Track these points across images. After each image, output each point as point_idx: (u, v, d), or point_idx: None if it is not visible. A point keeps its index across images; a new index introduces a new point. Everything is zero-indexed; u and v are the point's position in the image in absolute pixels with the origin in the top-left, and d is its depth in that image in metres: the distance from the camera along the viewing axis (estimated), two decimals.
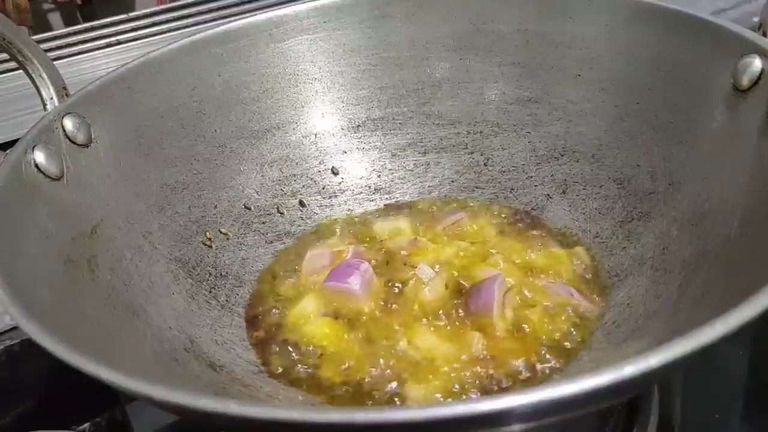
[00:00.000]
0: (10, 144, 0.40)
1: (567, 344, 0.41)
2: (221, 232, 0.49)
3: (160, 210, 0.46)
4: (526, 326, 0.42)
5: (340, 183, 0.55)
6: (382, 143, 0.56)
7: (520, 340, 0.41)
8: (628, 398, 0.40)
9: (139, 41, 0.80)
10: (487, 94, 0.54)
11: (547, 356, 0.40)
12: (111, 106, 0.45)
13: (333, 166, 0.54)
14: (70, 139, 0.41)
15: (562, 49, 0.50)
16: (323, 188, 0.55)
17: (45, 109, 0.43)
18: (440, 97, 0.55)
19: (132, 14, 0.81)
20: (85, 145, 0.42)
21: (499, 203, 0.53)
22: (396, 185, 0.56)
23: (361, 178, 0.56)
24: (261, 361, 0.42)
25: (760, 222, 0.34)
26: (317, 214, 0.54)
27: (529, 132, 0.53)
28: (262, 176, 0.53)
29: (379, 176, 0.56)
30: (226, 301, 0.46)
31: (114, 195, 0.43)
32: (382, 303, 0.44)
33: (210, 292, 0.46)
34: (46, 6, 1.04)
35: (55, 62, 0.44)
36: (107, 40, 0.80)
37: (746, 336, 0.46)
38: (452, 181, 0.55)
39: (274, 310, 0.46)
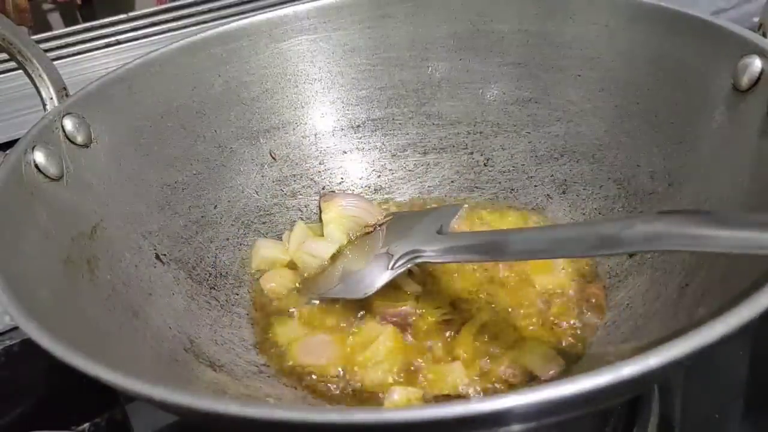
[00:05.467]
0: (10, 144, 0.40)
1: (567, 345, 0.41)
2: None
3: (160, 210, 0.46)
4: (526, 329, 0.42)
5: (340, 183, 0.55)
6: (382, 143, 0.56)
7: (520, 341, 0.41)
8: (628, 398, 0.40)
9: (139, 41, 0.80)
10: (487, 95, 0.54)
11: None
12: (111, 106, 0.45)
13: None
14: (69, 139, 0.41)
15: (562, 49, 0.50)
16: (323, 188, 0.55)
17: (45, 109, 0.43)
18: (440, 98, 0.55)
19: (132, 14, 0.81)
20: (85, 146, 0.42)
21: (499, 203, 0.53)
22: (396, 185, 0.56)
23: (360, 179, 0.56)
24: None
25: None
26: (317, 214, 0.54)
27: (529, 132, 0.53)
28: (262, 176, 0.53)
29: (379, 176, 0.56)
30: (226, 301, 0.46)
31: (114, 195, 0.43)
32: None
33: (210, 292, 0.46)
34: (46, 6, 1.04)
35: (55, 62, 0.44)
36: (107, 40, 0.80)
37: (746, 336, 0.46)
38: (452, 182, 0.55)
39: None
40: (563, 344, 0.41)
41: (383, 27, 0.54)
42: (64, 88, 0.44)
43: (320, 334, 0.44)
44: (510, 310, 0.43)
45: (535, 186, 0.52)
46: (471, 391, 0.39)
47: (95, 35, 0.80)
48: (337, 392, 0.40)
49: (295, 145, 0.54)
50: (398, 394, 0.38)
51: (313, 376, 0.41)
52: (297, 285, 0.48)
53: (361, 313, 0.44)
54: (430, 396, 0.39)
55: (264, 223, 0.52)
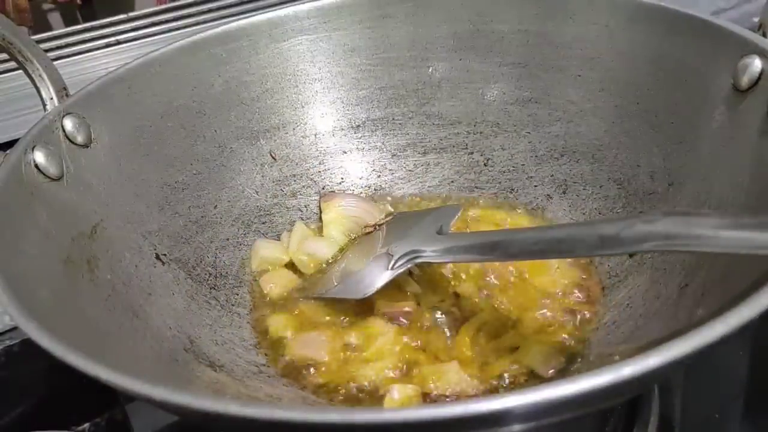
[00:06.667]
0: (10, 144, 0.40)
1: (566, 345, 0.41)
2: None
3: (160, 210, 0.46)
4: (526, 328, 0.42)
5: (340, 183, 0.55)
6: (382, 143, 0.56)
7: (520, 340, 0.41)
8: (628, 398, 0.40)
9: (139, 41, 0.80)
10: (487, 95, 0.54)
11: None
12: (111, 106, 0.45)
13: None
14: (69, 140, 0.41)
15: (562, 49, 0.50)
16: (323, 188, 0.55)
17: (45, 109, 0.43)
18: (440, 98, 0.55)
19: (132, 14, 0.81)
20: (85, 146, 0.42)
21: (499, 203, 0.53)
22: (396, 185, 0.56)
23: (360, 179, 0.56)
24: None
25: None
26: (317, 214, 0.54)
27: (529, 132, 0.53)
28: (262, 176, 0.53)
29: (379, 176, 0.56)
30: (226, 301, 0.46)
31: (114, 195, 0.43)
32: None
33: (210, 292, 0.46)
34: (46, 6, 1.04)
35: (55, 62, 0.44)
36: (107, 40, 0.80)
37: (746, 336, 0.46)
38: (452, 182, 0.55)
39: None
40: (563, 344, 0.41)
41: (383, 27, 0.54)
42: (64, 88, 0.44)
43: (319, 331, 0.44)
44: (510, 309, 0.43)
45: (535, 186, 0.52)
46: (469, 390, 0.39)
47: (95, 35, 0.80)
48: (335, 389, 0.40)
49: (295, 145, 0.54)
50: (398, 392, 0.38)
51: (312, 371, 0.41)
52: (297, 285, 0.48)
53: (361, 312, 0.44)
54: (428, 395, 0.39)
55: (264, 223, 0.52)
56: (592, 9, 0.48)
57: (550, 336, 0.41)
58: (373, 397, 0.39)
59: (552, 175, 0.52)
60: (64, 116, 0.41)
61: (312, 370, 0.41)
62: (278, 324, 0.45)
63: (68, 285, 0.35)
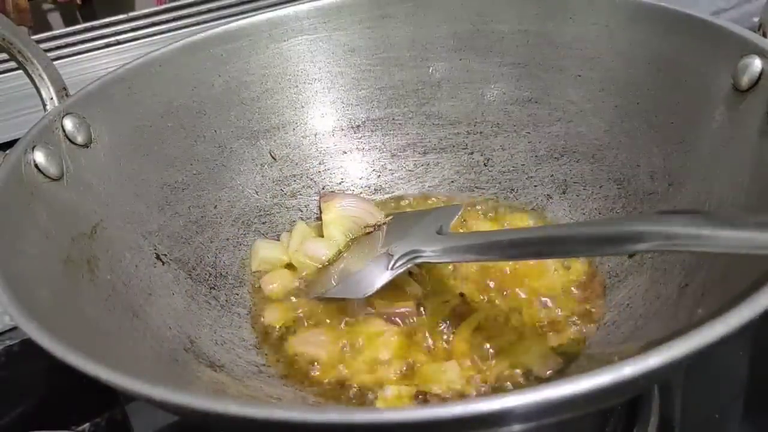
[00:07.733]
0: (10, 144, 0.40)
1: (566, 344, 0.41)
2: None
3: (160, 210, 0.46)
4: (525, 328, 0.42)
5: (340, 183, 0.55)
6: (382, 143, 0.56)
7: (518, 340, 0.41)
8: (628, 398, 0.40)
9: (139, 41, 0.80)
10: (487, 95, 0.54)
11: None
12: (111, 106, 0.45)
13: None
14: (69, 140, 0.41)
15: (562, 49, 0.50)
16: (323, 188, 0.55)
17: (45, 109, 0.43)
18: (440, 98, 0.55)
19: (132, 14, 0.81)
20: (85, 146, 0.42)
21: (499, 203, 0.53)
22: (396, 186, 0.56)
23: (360, 179, 0.56)
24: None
25: None
26: (317, 214, 0.54)
27: (529, 132, 0.53)
28: (262, 176, 0.53)
29: (378, 176, 0.56)
30: (226, 301, 0.46)
31: (114, 195, 0.43)
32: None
33: (210, 292, 0.46)
34: (46, 6, 1.04)
35: (55, 62, 0.44)
36: (107, 40, 0.80)
37: (746, 336, 0.46)
38: (452, 182, 0.55)
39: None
40: (562, 344, 0.41)
41: (383, 27, 0.54)
42: (64, 88, 0.44)
43: (319, 331, 0.44)
44: (508, 309, 0.43)
45: (535, 186, 0.52)
46: (468, 389, 0.39)
47: (95, 35, 0.80)
48: (335, 389, 0.40)
49: (295, 145, 0.54)
50: (390, 391, 0.38)
51: (311, 370, 0.41)
52: (297, 286, 0.48)
53: (361, 312, 0.44)
54: (423, 394, 0.39)
55: (264, 223, 0.52)
56: (592, 9, 0.48)
57: (549, 336, 0.41)
58: (373, 397, 0.39)
59: (552, 175, 0.52)
60: (64, 116, 0.41)
61: (312, 369, 0.41)
62: (278, 324, 0.45)
63: (68, 285, 0.35)
